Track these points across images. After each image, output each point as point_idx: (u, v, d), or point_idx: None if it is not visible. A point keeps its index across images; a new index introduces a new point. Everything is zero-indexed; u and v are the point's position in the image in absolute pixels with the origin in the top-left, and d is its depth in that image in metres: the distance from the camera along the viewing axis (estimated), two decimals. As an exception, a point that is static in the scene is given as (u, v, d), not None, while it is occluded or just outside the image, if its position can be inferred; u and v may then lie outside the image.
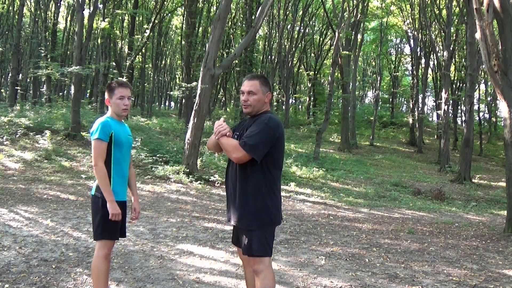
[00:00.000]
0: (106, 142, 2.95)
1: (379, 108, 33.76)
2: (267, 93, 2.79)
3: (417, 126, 28.25)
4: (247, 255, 2.72)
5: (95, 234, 3.01)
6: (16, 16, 24.33)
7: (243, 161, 2.63)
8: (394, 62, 38.45)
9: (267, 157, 2.66)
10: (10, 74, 24.48)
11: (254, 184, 2.67)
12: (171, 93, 24.71)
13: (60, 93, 32.44)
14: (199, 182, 10.60)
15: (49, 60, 20.12)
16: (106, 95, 3.09)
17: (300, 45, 33.04)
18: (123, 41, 26.20)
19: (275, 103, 32.03)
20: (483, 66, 16.97)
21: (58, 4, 26.00)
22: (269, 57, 31.38)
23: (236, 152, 2.62)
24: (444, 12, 24.72)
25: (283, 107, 31.81)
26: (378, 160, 21.14)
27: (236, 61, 21.02)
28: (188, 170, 11.06)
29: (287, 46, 30.24)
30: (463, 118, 27.49)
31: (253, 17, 16.53)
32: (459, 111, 32.08)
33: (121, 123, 3.12)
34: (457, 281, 4.31)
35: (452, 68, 28.12)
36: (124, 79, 17.68)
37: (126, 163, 3.11)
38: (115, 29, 23.44)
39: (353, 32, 24.19)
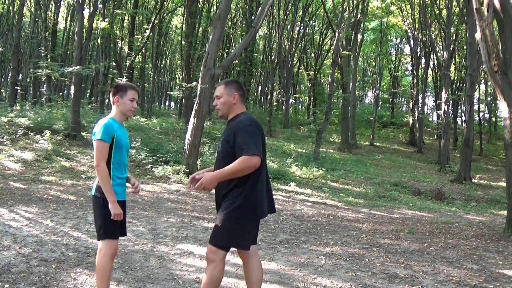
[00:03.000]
0: (108, 144, 2.96)
1: (379, 108, 33.77)
2: (234, 94, 2.89)
3: (417, 126, 28.24)
4: (209, 242, 2.83)
5: (98, 234, 3.04)
6: (16, 16, 24.32)
7: (257, 165, 2.68)
8: (394, 62, 38.47)
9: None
10: (10, 74, 24.50)
11: (228, 182, 2.76)
12: (171, 93, 24.73)
13: (60, 93, 32.43)
14: (199, 182, 10.58)
15: (49, 60, 20.14)
16: (115, 94, 3.08)
17: (300, 45, 33.03)
18: (123, 41, 26.21)
19: (275, 103, 32.05)
20: (483, 66, 16.96)
21: (58, 4, 26.01)
22: (269, 57, 31.37)
23: (248, 164, 2.66)
24: (444, 12, 24.73)
25: (283, 107, 31.81)
26: (378, 160, 21.14)
27: (236, 61, 21.02)
28: (188, 170, 11.06)
29: (287, 46, 30.24)
30: (463, 118, 27.49)
31: (253, 17, 16.53)
32: (459, 111, 32.09)
33: (122, 126, 3.14)
34: (457, 281, 4.31)
35: (452, 68, 28.13)
36: (124, 79, 17.70)
37: (125, 165, 3.15)
38: (115, 29, 23.43)
39: (353, 32, 24.19)
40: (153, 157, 12.02)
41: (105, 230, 2.98)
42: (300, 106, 45.46)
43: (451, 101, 24.18)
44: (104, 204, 2.94)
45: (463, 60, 28.18)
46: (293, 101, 42.99)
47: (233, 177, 2.72)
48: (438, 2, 24.87)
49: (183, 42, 25.36)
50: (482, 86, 33.66)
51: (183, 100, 22.08)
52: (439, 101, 25.99)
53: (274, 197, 10.16)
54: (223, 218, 2.79)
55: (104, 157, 2.94)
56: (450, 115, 24.32)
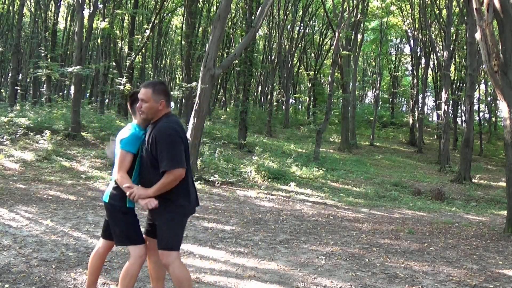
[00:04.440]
0: (133, 154, 2.93)
1: (379, 108, 33.77)
2: (161, 100, 2.87)
3: (417, 126, 28.25)
4: (159, 248, 2.88)
5: (118, 241, 3.05)
6: (16, 16, 24.34)
7: (182, 176, 2.81)
8: (394, 62, 38.47)
9: None
10: (10, 74, 24.50)
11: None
12: (171, 93, 24.67)
13: (60, 93, 32.44)
14: (199, 182, 10.60)
15: (49, 60, 20.11)
16: (136, 102, 3.02)
17: (300, 45, 33.04)
18: (123, 41, 26.19)
19: (275, 103, 32.07)
20: (483, 66, 16.97)
21: (58, 4, 25.99)
22: (269, 57, 31.38)
23: (174, 178, 2.78)
24: (444, 12, 24.73)
25: (283, 107, 31.81)
26: (378, 160, 21.14)
27: (236, 61, 21.02)
28: (188, 170, 11.02)
29: (287, 46, 30.25)
30: (463, 118, 27.49)
31: (253, 17, 16.51)
32: (459, 111, 32.08)
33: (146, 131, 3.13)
34: (457, 281, 4.31)
35: (452, 68, 28.12)
36: (124, 79, 17.70)
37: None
38: (115, 29, 23.42)
39: (353, 32, 24.19)
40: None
41: (128, 237, 2.98)
42: (300, 106, 45.46)
43: (451, 101, 24.19)
44: (123, 211, 2.96)
45: (463, 60, 28.18)
46: (293, 101, 42.99)
47: (164, 191, 2.83)
48: (438, 2, 24.86)
49: (183, 42, 25.36)
50: (482, 86, 33.66)
51: (183, 100, 22.09)
52: (439, 101, 25.99)
53: (274, 197, 10.10)
54: (167, 219, 2.84)
55: (126, 167, 2.90)
56: (450, 115, 24.32)
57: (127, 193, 2.87)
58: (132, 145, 2.91)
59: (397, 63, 38.54)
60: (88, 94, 32.81)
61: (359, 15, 23.57)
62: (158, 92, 2.88)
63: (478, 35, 7.10)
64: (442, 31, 25.18)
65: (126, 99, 3.19)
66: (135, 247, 2.98)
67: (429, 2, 24.55)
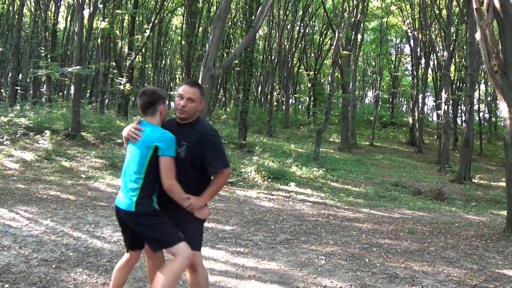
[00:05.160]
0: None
1: (379, 108, 33.78)
2: (202, 101, 2.92)
3: (417, 126, 28.26)
4: (193, 249, 2.76)
5: (163, 244, 2.76)
6: (16, 16, 24.34)
7: (230, 175, 2.95)
8: (394, 62, 38.47)
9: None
10: (10, 74, 24.48)
11: (198, 188, 2.80)
12: (171, 93, 24.71)
13: (60, 93, 32.46)
14: (199, 182, 10.59)
15: (49, 60, 20.13)
16: (159, 103, 2.84)
17: (300, 45, 33.05)
18: (123, 41, 26.20)
19: (275, 103, 32.06)
20: (483, 66, 16.96)
21: (58, 4, 26.01)
22: (269, 57, 31.39)
23: (227, 179, 2.89)
24: (444, 12, 24.73)
25: (283, 107, 31.81)
26: (378, 160, 21.14)
27: (236, 61, 21.02)
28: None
29: (287, 46, 30.26)
30: (463, 118, 27.53)
31: (253, 17, 16.51)
32: (459, 111, 32.10)
33: None
34: (457, 281, 4.31)
35: (452, 68, 28.12)
36: (124, 79, 17.70)
37: None
38: (115, 29, 23.43)
39: (353, 32, 24.20)
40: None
41: (172, 236, 2.70)
42: (300, 106, 45.47)
43: (451, 101, 24.18)
44: (156, 214, 2.72)
45: (463, 60, 28.18)
46: (293, 101, 43.00)
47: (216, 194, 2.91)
48: (438, 2, 24.86)
49: (183, 42, 25.38)
50: (482, 86, 33.66)
51: (183, 100, 22.07)
52: (439, 101, 26.00)
53: (274, 197, 10.10)
54: (198, 220, 2.81)
55: (174, 174, 2.71)
56: (450, 115, 24.32)
57: (185, 205, 2.71)
58: (173, 149, 2.73)
59: (397, 63, 38.55)
60: (88, 94, 32.83)
61: (359, 15, 23.58)
62: (202, 93, 2.89)
63: (478, 35, 7.10)
64: (442, 31, 25.17)
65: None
66: (183, 245, 2.70)
67: (429, 2, 24.55)
